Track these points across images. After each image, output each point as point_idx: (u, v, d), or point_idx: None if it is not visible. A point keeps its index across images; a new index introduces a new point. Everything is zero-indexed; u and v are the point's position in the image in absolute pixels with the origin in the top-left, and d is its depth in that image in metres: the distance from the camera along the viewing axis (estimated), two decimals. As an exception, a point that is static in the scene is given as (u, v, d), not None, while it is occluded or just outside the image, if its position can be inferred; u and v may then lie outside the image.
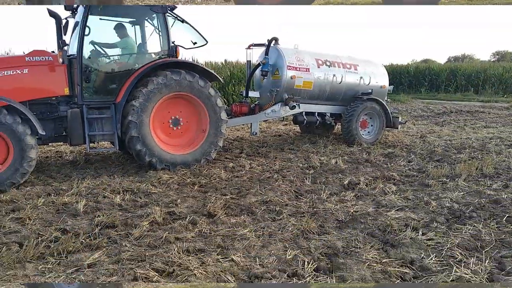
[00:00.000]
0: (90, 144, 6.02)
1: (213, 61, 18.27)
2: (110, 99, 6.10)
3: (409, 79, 26.54)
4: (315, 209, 4.52)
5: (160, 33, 6.58)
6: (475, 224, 4.03)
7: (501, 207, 4.58)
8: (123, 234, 3.81)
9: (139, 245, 3.55)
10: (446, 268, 3.15)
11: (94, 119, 5.96)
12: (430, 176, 6.01)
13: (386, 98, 9.73)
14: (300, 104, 8.36)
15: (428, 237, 3.73)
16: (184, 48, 7.05)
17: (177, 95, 6.30)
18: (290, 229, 3.94)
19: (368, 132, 9.07)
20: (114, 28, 6.49)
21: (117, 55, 6.64)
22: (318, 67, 8.49)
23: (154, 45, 6.72)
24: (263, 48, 8.49)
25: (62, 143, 7.19)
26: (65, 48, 5.92)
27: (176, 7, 6.62)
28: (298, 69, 8.20)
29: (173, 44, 6.56)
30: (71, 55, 6.09)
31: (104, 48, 6.47)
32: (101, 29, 6.35)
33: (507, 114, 14.74)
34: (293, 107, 8.14)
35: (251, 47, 8.73)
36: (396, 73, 26.50)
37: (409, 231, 3.84)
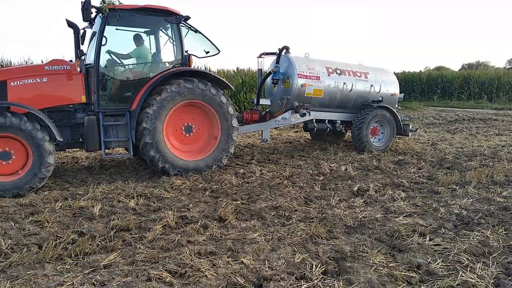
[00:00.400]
0: (106, 150, 6.20)
1: (225, 68, 18.51)
2: (125, 107, 6.29)
3: (421, 87, 26.39)
4: (324, 215, 4.60)
5: (174, 43, 6.76)
6: (483, 231, 4.06)
7: (510, 214, 4.60)
8: (137, 237, 3.94)
9: (152, 248, 3.67)
10: (452, 273, 3.20)
11: (110, 126, 6.16)
12: (439, 183, 6.04)
13: (396, 105, 9.78)
14: (311, 112, 8.47)
15: (436, 243, 3.78)
16: (197, 57, 7.23)
17: (190, 103, 6.46)
18: (299, 233, 4.03)
19: (379, 139, 9.11)
20: (131, 38, 6.69)
21: (132, 64, 6.84)
22: (329, 75, 8.61)
23: (168, 55, 6.91)
24: (274, 57, 8.65)
25: (78, 149, 7.40)
26: (83, 57, 6.14)
27: (189, 17, 6.82)
28: (308, 77, 8.33)
29: (186, 53, 6.74)
30: (88, 64, 6.31)
31: (119, 58, 6.68)
32: (117, 39, 6.57)
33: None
34: (303, 115, 8.25)
35: (262, 56, 8.90)
36: (408, 81, 26.41)
37: (416, 236, 3.90)
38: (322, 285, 2.99)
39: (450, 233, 4.03)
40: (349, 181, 6.23)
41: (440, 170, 6.98)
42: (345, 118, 9.10)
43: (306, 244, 3.78)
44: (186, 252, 3.50)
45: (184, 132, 6.66)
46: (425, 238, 3.88)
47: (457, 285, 3.00)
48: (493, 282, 3.05)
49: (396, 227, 4.15)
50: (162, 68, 6.71)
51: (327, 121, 8.91)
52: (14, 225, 4.19)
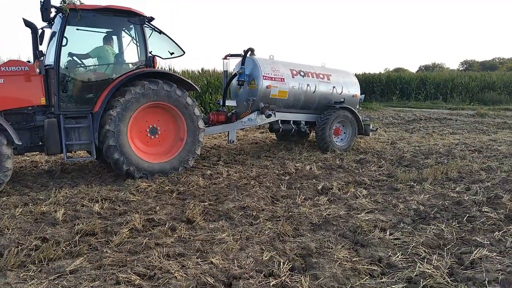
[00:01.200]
0: (67, 153, 6.03)
1: (190, 69, 18.41)
2: (87, 109, 6.14)
3: (381, 88, 27.37)
4: (290, 213, 4.72)
5: (138, 44, 6.68)
6: (439, 224, 4.32)
7: (463, 208, 4.91)
8: (103, 241, 3.89)
9: (119, 251, 3.64)
10: (411, 265, 3.39)
11: (71, 128, 6.00)
12: (398, 180, 6.33)
13: (358, 106, 10.09)
14: (276, 113, 8.61)
15: (395, 237, 3.98)
16: (162, 58, 7.19)
17: (155, 104, 6.39)
18: (266, 232, 4.12)
19: (341, 139, 9.39)
20: (92, 38, 6.54)
21: (94, 65, 6.68)
22: (293, 77, 8.78)
23: (132, 55, 6.81)
24: (240, 59, 8.73)
25: (37, 152, 7.14)
26: (42, 58, 5.94)
27: (153, 18, 6.76)
28: (273, 79, 8.46)
29: (150, 55, 6.68)
30: (47, 65, 6.10)
31: (81, 58, 6.51)
32: (78, 39, 6.39)
33: (473, 121, 15.47)
34: (269, 116, 8.38)
35: (227, 57, 8.94)
36: (369, 82, 27.31)
37: (377, 231, 4.09)
38: (289, 281, 3.09)
39: (408, 227, 4.26)
40: (314, 180, 6.40)
41: (399, 168, 7.31)
42: (309, 118, 9.31)
43: (274, 242, 3.87)
44: (155, 255, 3.50)
45: (149, 134, 6.59)
46: (386, 233, 4.08)
47: (415, 276, 3.18)
48: (447, 272, 3.26)
49: (358, 223, 4.33)
50: (125, 69, 6.61)
51: (292, 121, 9.07)
52: (-29, 232, 4.01)
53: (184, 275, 3.16)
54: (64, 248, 3.65)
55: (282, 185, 6.09)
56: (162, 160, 6.59)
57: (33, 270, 3.25)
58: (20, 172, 6.94)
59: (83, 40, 6.57)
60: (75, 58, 6.36)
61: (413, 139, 11.06)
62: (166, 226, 4.25)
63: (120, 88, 6.15)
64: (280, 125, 8.89)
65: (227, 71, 9.09)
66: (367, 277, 3.20)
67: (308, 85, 8.94)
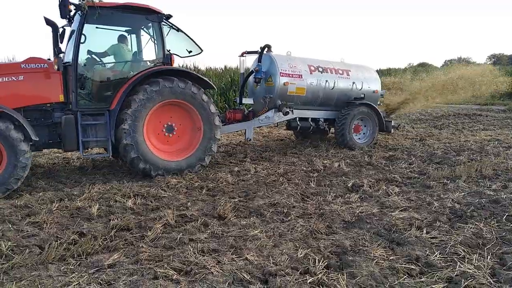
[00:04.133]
0: (84, 150, 6.06)
1: (214, 66, 18.47)
2: (104, 106, 6.16)
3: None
4: (321, 211, 4.67)
5: (156, 42, 6.66)
6: (476, 223, 4.19)
7: (500, 206, 4.75)
8: (138, 236, 3.94)
9: (155, 246, 3.69)
10: (450, 264, 3.30)
11: (88, 125, 6.02)
12: (431, 177, 6.18)
13: (379, 102, 9.86)
14: (294, 110, 8.47)
15: (432, 236, 3.88)
16: (180, 56, 7.19)
17: (171, 102, 6.36)
18: (299, 229, 4.09)
19: (362, 136, 9.18)
20: (111, 37, 6.57)
21: (112, 63, 6.70)
22: (311, 73, 8.61)
23: (150, 53, 6.84)
24: (256, 56, 8.58)
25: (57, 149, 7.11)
26: (61, 55, 5.97)
27: (171, 16, 6.71)
28: (291, 75, 8.31)
29: (168, 52, 6.63)
30: (66, 62, 6.13)
31: (99, 56, 6.54)
32: (97, 37, 6.42)
33: (504, 117, 14.98)
34: (286, 113, 8.24)
35: (244, 55, 8.82)
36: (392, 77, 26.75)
37: (413, 230, 4.00)
38: (326, 278, 3.05)
39: (445, 226, 4.15)
40: (343, 177, 6.33)
41: (431, 165, 7.14)
42: (328, 116, 9.09)
43: (307, 240, 3.84)
44: (190, 250, 3.52)
45: (165, 132, 6.55)
46: (422, 231, 3.99)
47: (455, 275, 3.09)
48: (489, 272, 3.16)
49: (393, 221, 4.25)
50: (143, 67, 6.60)
51: (310, 119, 8.87)
52: (12, 226, 4.14)
53: (220, 270, 3.17)
54: (101, 243, 3.72)
55: (311, 182, 6.04)
56: (179, 158, 6.52)
57: (73, 264, 3.33)
58: (53, 169, 7.14)
59: (102, 38, 6.60)
60: (93, 56, 6.41)
61: (442, 135, 10.79)
62: (199, 222, 4.28)
63: (136, 86, 6.14)
64: (298, 123, 8.71)
65: (243, 68, 8.97)
66: (405, 276, 3.13)
67: (326, 81, 8.76)
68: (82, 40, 5.94)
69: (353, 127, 8.86)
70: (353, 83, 9.18)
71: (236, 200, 5.13)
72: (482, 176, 6.23)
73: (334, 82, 8.86)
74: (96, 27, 6.34)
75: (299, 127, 8.77)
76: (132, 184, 5.89)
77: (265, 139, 10.64)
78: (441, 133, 11.32)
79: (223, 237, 3.90)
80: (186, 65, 16.86)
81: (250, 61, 9.13)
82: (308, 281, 3.02)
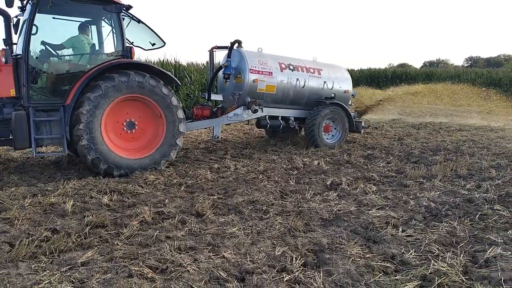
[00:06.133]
0: (38, 148, 5.76)
1: (195, 62, 18.29)
2: (59, 101, 5.85)
3: (386, 83, 27.24)
4: (300, 208, 4.68)
5: (114, 33, 6.42)
6: (451, 222, 4.27)
7: (474, 205, 4.86)
8: (113, 233, 3.87)
9: (130, 244, 3.62)
10: (424, 262, 3.36)
11: (42, 121, 5.70)
12: (408, 176, 6.28)
13: (350, 102, 9.83)
14: (263, 108, 8.31)
15: (408, 234, 3.94)
16: (144, 49, 7.08)
17: (129, 97, 6.10)
18: (277, 227, 4.09)
19: (332, 136, 9.13)
20: (67, 28, 6.35)
21: (68, 55, 6.44)
22: (281, 71, 8.46)
23: (110, 46, 6.59)
24: (227, 51, 8.40)
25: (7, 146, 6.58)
26: (7, 47, 5.71)
27: (131, 6, 6.47)
28: (260, 72, 8.14)
29: (129, 45, 6.42)
30: (18, 54, 5.83)
31: (55, 48, 6.28)
32: (54, 28, 6.21)
33: (480, 118, 15.36)
34: (255, 111, 8.07)
35: (214, 50, 8.61)
36: (374, 77, 27.20)
37: (389, 228, 4.05)
38: (303, 276, 3.06)
39: (420, 224, 4.22)
40: (322, 175, 6.36)
41: (408, 164, 7.26)
42: (298, 115, 8.98)
43: (285, 237, 3.84)
44: (166, 248, 3.47)
45: (126, 129, 6.27)
46: (398, 229, 4.04)
47: (430, 273, 3.14)
48: (462, 270, 3.22)
49: (370, 220, 4.29)
50: (101, 60, 6.33)
51: (280, 117, 8.73)
52: (-19, 223, 4.00)
53: (197, 268, 3.13)
54: (74, 240, 3.63)
55: (290, 179, 6.05)
56: (142, 155, 6.30)
57: (45, 262, 3.23)
58: (27, 163, 6.94)
59: (60, 30, 6.36)
60: (48, 48, 6.13)
61: (420, 135, 11.00)
62: (176, 219, 4.23)
63: (92, 80, 5.87)
64: (268, 121, 8.54)
65: (213, 64, 8.77)
66: (381, 274, 3.16)
67: (297, 79, 8.63)
68: (33, 31, 5.61)
69: (323, 126, 8.79)
70: (324, 82, 9.09)
71: (215, 197, 5.09)
72: (457, 175, 6.37)
73: (305, 81, 8.74)
74: (53, 18, 6.06)
75: (268, 125, 8.59)
76: (108, 180, 5.77)
77: (246, 136, 10.62)
78: (419, 132, 11.54)
79: (201, 235, 3.86)
80: (167, 60, 16.67)
81: (220, 57, 8.97)
82: (285, 279, 3.02)
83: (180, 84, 7.15)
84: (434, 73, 27.89)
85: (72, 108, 5.76)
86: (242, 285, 2.94)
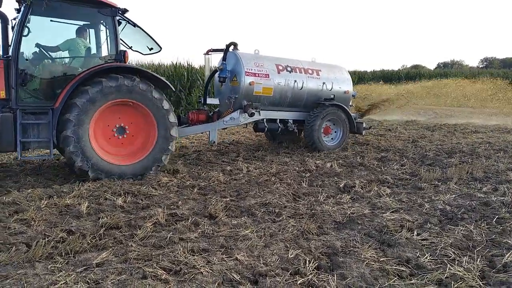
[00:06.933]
0: (23, 151, 5.64)
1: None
2: (49, 104, 5.72)
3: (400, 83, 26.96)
4: (313, 211, 4.66)
5: (108, 37, 6.35)
6: (467, 225, 4.20)
7: (491, 209, 4.77)
8: (127, 234, 3.90)
9: (144, 245, 3.64)
10: (440, 266, 3.30)
11: (30, 124, 5.58)
12: (422, 179, 6.20)
13: (351, 103, 9.64)
14: (261, 111, 8.14)
15: (423, 237, 3.89)
16: (142, 54, 7.05)
17: (118, 102, 5.95)
18: (290, 230, 4.07)
19: (332, 138, 8.94)
20: (63, 30, 6.34)
21: (60, 58, 6.39)
22: (279, 72, 8.27)
23: (105, 50, 6.54)
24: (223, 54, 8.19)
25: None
26: (6, 49, 5.68)
27: (127, 10, 6.40)
28: (257, 75, 7.95)
29: (127, 49, 6.38)
30: (9, 56, 5.69)
31: (50, 51, 6.25)
32: (51, 31, 6.19)
33: (496, 120, 15.10)
34: (252, 114, 7.86)
35: (209, 53, 8.38)
36: (387, 79, 26.96)
37: (404, 231, 4.00)
38: (316, 280, 3.04)
39: (436, 228, 4.16)
40: (335, 178, 6.32)
41: (422, 166, 7.17)
42: (297, 117, 8.75)
43: (298, 240, 3.82)
44: (179, 249, 3.49)
45: (116, 135, 6.12)
46: (413, 233, 3.99)
47: (445, 278, 3.10)
48: (479, 275, 3.16)
49: (384, 223, 4.25)
50: (94, 64, 6.20)
51: (278, 120, 8.52)
52: (-1, 223, 4.08)
53: (210, 271, 3.14)
54: (89, 241, 3.67)
55: (303, 182, 6.03)
56: (132, 161, 6.13)
57: (61, 262, 3.28)
58: (43, 165, 7.05)
59: (56, 32, 6.31)
60: (43, 50, 6.10)
61: (434, 137, 10.85)
62: (189, 221, 4.25)
63: (81, 85, 5.72)
64: (266, 124, 8.32)
65: (209, 67, 8.58)
66: (395, 278, 3.12)
67: (295, 81, 8.39)
68: (25, 33, 5.56)
69: (322, 129, 8.59)
70: (323, 83, 8.83)
71: (228, 199, 5.10)
72: (473, 178, 6.27)
73: (303, 82, 8.50)
74: (51, 20, 6.05)
75: (266, 128, 8.39)
76: (122, 181, 5.82)
77: (258, 138, 10.61)
78: (433, 135, 11.39)
79: (214, 237, 3.87)
80: (179, 63, 16.77)
81: (216, 60, 8.77)
82: (298, 282, 3.00)
83: (174, 89, 6.90)
84: (448, 74, 27.52)
85: (60, 112, 5.64)
86: (255, 287, 2.94)
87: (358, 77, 29.35)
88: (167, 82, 6.56)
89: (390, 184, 5.99)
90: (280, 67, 8.36)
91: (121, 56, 6.21)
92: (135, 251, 3.48)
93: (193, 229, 4.07)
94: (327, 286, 2.96)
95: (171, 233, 3.90)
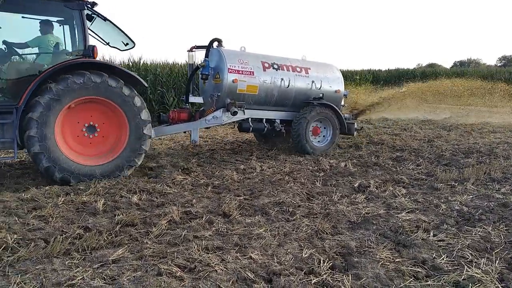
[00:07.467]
0: None
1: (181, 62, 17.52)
2: (13, 103, 5.44)
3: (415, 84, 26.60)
4: (327, 211, 4.64)
5: (76, 32, 6.11)
6: (485, 227, 4.13)
7: (509, 210, 4.68)
8: (143, 232, 3.94)
9: (159, 243, 3.68)
10: (457, 268, 3.25)
11: None
12: (438, 179, 6.11)
13: (343, 103, 9.30)
14: (246, 110, 7.79)
15: (439, 238, 3.84)
16: (120, 50, 6.95)
17: (87, 99, 5.68)
18: (304, 229, 4.06)
19: (321, 139, 8.54)
20: (33, 26, 6.13)
21: (28, 54, 6.21)
22: (264, 70, 7.91)
23: (75, 45, 6.25)
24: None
25: None
26: None
27: (96, 4, 6.15)
28: (241, 72, 7.61)
29: (91, 44, 6.05)
30: None
31: (18, 47, 6.08)
32: (21, 27, 6.09)
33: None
34: (234, 113, 7.52)
35: (193, 50, 8.07)
36: (401, 77, 26.62)
37: (420, 232, 3.96)
38: (331, 279, 3.03)
39: (452, 229, 4.10)
40: (350, 177, 6.28)
41: (438, 166, 7.06)
42: (285, 117, 8.39)
43: (312, 240, 3.81)
44: (194, 247, 3.51)
45: (86, 134, 5.85)
46: (429, 233, 3.94)
47: (463, 279, 3.05)
48: (497, 277, 3.10)
49: (399, 223, 4.21)
50: (62, 60, 5.86)
51: (264, 120, 8.19)
52: (18, 220, 4.16)
53: (224, 269, 3.16)
54: (106, 238, 3.72)
55: (317, 181, 6.00)
56: (103, 161, 5.89)
57: (78, 258, 3.33)
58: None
59: (27, 28, 6.13)
60: (9, 47, 5.89)
61: (451, 137, 10.68)
62: (204, 219, 4.27)
63: (45, 82, 5.49)
64: (250, 124, 7.97)
65: (192, 64, 8.15)
66: (411, 279, 3.08)
67: (282, 79, 8.03)
68: None
69: (311, 129, 8.21)
70: (313, 82, 8.45)
71: (241, 198, 5.11)
72: (491, 179, 6.15)
73: (289, 81, 8.12)
74: (22, 17, 5.95)
75: (251, 128, 8.04)
76: (137, 179, 5.90)
77: (272, 138, 10.58)
78: (450, 134, 11.21)
79: (228, 235, 3.88)
80: (175, 61, 16.57)
81: (200, 57, 8.21)
82: (313, 282, 2.99)
83: (146, 85, 6.63)
84: (465, 72, 27.04)
85: (23, 111, 5.41)
86: (269, 286, 2.94)
87: (373, 76, 29.07)
88: (138, 77, 6.24)
89: (406, 184, 5.92)
90: (266, 65, 8.00)
91: (90, 51, 5.91)
92: (151, 248, 3.52)
93: (207, 227, 4.10)
94: (341, 286, 2.94)
95: (186, 231, 3.93)
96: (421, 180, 6.18)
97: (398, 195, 5.32)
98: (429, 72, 27.51)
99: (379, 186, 5.78)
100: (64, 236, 3.73)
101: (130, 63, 15.75)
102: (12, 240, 3.57)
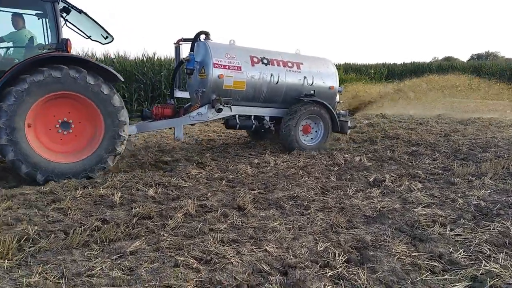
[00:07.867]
0: None
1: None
2: None
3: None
4: (342, 205, 4.63)
5: (48, 25, 5.97)
6: (503, 222, 4.06)
7: (529, 205, 4.60)
8: (159, 224, 4.00)
9: (175, 235, 3.73)
10: (475, 263, 3.22)
11: None
12: (455, 174, 6.03)
13: (338, 100, 8.94)
14: (232, 107, 7.47)
15: (456, 233, 3.80)
16: (101, 43, 6.89)
17: (63, 94, 5.48)
18: (319, 223, 4.07)
19: (312, 138, 8.25)
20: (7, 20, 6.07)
21: (5, 48, 6.08)
22: (253, 65, 7.54)
23: (50, 39, 6.05)
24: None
25: None
26: None
27: None
28: (227, 67, 7.26)
29: (64, 38, 5.88)
30: None
31: None
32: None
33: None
34: (219, 110, 7.22)
35: (180, 43, 7.84)
36: (418, 71, 26.25)
37: (437, 226, 3.92)
38: (347, 273, 3.03)
39: (470, 223, 4.05)
40: (365, 172, 6.25)
41: (455, 161, 6.97)
42: (275, 114, 8.07)
43: (327, 233, 3.81)
44: (210, 240, 3.55)
45: (59, 130, 5.64)
46: (446, 228, 3.91)
47: (480, 274, 3.02)
48: (516, 272, 3.06)
49: (415, 217, 4.17)
50: (34, 54, 5.65)
51: (253, 117, 7.92)
52: (38, 212, 4.26)
53: (240, 261, 3.18)
54: (123, 230, 3.79)
55: (331, 176, 5.99)
56: (75, 159, 5.68)
57: (96, 250, 3.40)
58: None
59: (3, 23, 6.05)
60: None
61: (468, 131, 10.50)
62: (219, 212, 4.31)
63: (16, 76, 5.31)
64: (237, 121, 7.71)
65: (179, 58, 7.92)
66: (428, 273, 3.07)
67: (271, 74, 7.67)
68: None
69: (301, 127, 7.92)
70: (305, 77, 8.07)
71: (256, 192, 5.13)
72: (510, 173, 6.04)
73: (279, 76, 7.75)
74: (1, 10, 5.88)
75: (238, 125, 7.74)
76: (153, 173, 5.97)
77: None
78: (467, 128, 11.03)
79: (243, 228, 3.91)
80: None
81: (187, 50, 7.99)
82: (328, 275, 3.00)
83: (123, 80, 6.40)
84: (483, 66, 26.50)
85: None
86: (285, 278, 2.96)
87: (388, 70, 28.70)
88: (115, 73, 5.98)
89: (422, 179, 5.86)
90: (255, 59, 7.62)
91: (63, 45, 5.70)
92: (167, 240, 3.57)
93: (223, 220, 4.13)
94: (357, 279, 2.94)
95: (201, 223, 3.97)
96: (437, 174, 6.11)
97: (414, 189, 5.27)
98: (446, 66, 27.03)
99: (394, 180, 5.74)
100: (82, 228, 3.81)
101: (145, 58, 15.89)
102: (33, 231, 3.66)
